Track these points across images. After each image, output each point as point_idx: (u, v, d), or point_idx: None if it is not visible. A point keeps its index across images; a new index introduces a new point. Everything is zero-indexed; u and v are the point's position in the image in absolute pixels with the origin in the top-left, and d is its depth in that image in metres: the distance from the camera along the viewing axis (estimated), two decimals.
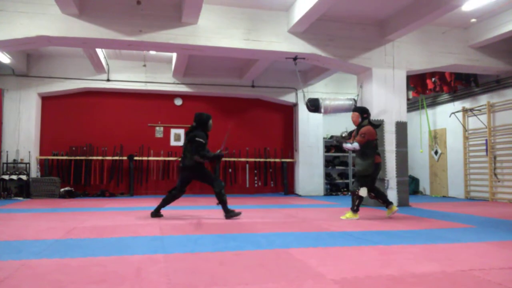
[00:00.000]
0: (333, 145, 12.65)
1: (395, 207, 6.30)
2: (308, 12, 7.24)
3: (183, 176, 6.19)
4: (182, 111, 12.16)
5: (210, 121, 6.22)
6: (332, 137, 12.58)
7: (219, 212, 7.12)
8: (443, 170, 11.71)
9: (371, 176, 6.12)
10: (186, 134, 6.20)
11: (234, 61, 11.07)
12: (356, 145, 6.04)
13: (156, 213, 6.19)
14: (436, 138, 12.00)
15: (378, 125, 6.38)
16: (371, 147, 6.08)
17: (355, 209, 6.12)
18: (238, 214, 6.13)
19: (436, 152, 11.99)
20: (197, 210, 7.39)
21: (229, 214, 6.07)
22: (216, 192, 6.03)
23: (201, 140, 5.93)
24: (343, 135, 6.56)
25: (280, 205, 8.74)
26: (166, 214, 6.64)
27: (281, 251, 3.69)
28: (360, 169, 6.13)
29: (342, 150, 12.68)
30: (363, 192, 6.04)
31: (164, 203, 6.19)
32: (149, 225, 5.30)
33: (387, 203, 6.29)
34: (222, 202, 6.05)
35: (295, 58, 8.42)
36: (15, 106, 10.63)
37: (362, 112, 6.36)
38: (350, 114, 9.67)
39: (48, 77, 10.87)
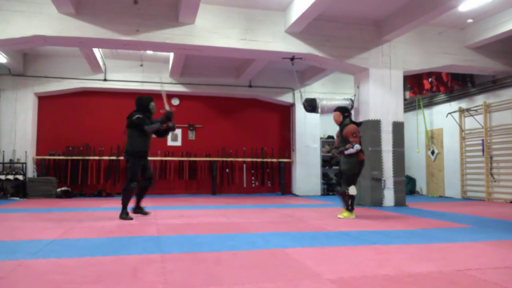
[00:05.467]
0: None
1: (354, 215, 6.25)
2: (305, 12, 7.24)
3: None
4: (179, 111, 12.10)
5: (152, 103, 6.08)
6: (329, 136, 12.60)
7: (217, 212, 7.13)
8: (440, 170, 11.74)
9: (357, 173, 6.19)
10: (127, 119, 6.03)
11: (231, 61, 11.07)
12: (357, 146, 6.04)
13: (138, 210, 6.13)
14: (433, 138, 12.04)
15: (359, 123, 6.44)
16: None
17: (350, 209, 6.19)
18: (130, 219, 5.82)
19: (432, 152, 12.02)
20: (195, 211, 7.38)
21: (122, 214, 5.86)
22: (122, 188, 5.93)
23: (138, 115, 5.86)
24: (333, 150, 6.45)
25: (277, 205, 8.74)
26: (163, 214, 6.64)
27: (277, 251, 3.69)
28: (346, 167, 6.15)
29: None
30: (352, 191, 6.11)
31: (139, 197, 6.14)
32: (146, 225, 5.29)
33: (350, 207, 6.29)
34: (123, 200, 5.88)
35: (292, 58, 8.42)
36: (11, 106, 10.59)
37: (343, 111, 6.43)
38: None
39: (44, 77, 10.83)
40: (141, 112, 5.97)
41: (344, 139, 6.17)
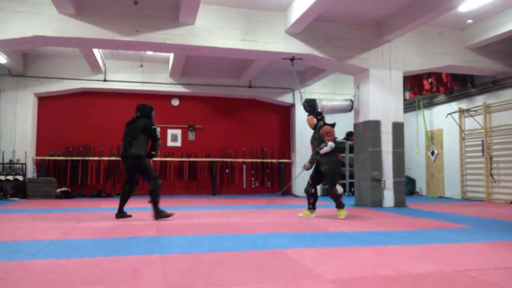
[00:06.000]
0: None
1: (314, 214, 6.48)
2: (305, 13, 7.24)
3: (127, 166, 6.08)
4: (179, 111, 12.14)
5: (153, 112, 6.30)
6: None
7: (217, 212, 7.13)
8: (440, 171, 11.74)
9: (338, 172, 6.33)
10: (129, 124, 6.11)
11: (231, 62, 11.07)
12: (331, 144, 6.12)
13: (121, 214, 6.08)
14: (433, 138, 12.04)
15: (333, 125, 6.52)
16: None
17: (342, 206, 6.30)
18: (169, 215, 5.95)
19: (432, 153, 12.02)
20: (195, 211, 7.38)
21: (159, 214, 5.91)
22: (149, 190, 5.90)
23: (155, 127, 6.07)
24: (311, 155, 6.50)
25: (277, 205, 8.74)
26: None
27: (278, 252, 3.69)
28: (327, 167, 6.20)
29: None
30: (340, 189, 6.20)
31: (123, 201, 6.12)
32: (146, 226, 5.29)
33: (311, 206, 6.46)
34: (154, 202, 5.90)
35: (292, 59, 8.42)
36: (11, 106, 10.58)
37: (316, 115, 6.59)
38: (347, 114, 9.82)
39: (44, 77, 10.84)
40: (148, 120, 6.10)
41: (321, 140, 6.26)
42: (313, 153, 6.38)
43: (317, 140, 6.34)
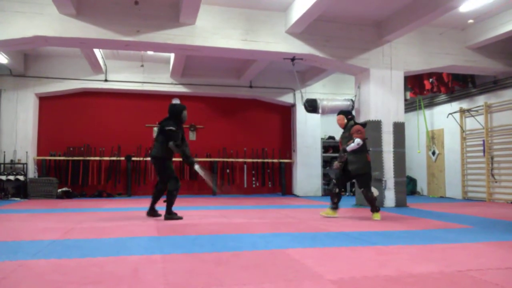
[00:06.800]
0: (331, 146, 12.63)
1: (336, 214, 6.35)
2: (306, 13, 7.24)
3: (154, 167, 6.22)
4: None
5: (184, 112, 6.15)
6: (330, 137, 12.57)
7: (218, 212, 7.13)
8: (441, 171, 11.73)
9: (369, 173, 6.17)
10: (159, 124, 6.14)
11: (232, 62, 11.06)
12: (359, 141, 6.00)
13: (152, 212, 6.15)
14: (434, 138, 12.03)
15: (364, 124, 6.44)
16: (363, 144, 6.15)
17: (378, 210, 6.15)
18: (179, 218, 5.94)
19: (433, 153, 12.01)
20: (196, 211, 7.38)
21: (170, 216, 5.92)
22: (169, 190, 5.92)
23: (171, 127, 5.91)
24: (337, 162, 6.37)
25: (278, 205, 8.74)
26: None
27: (278, 252, 3.68)
28: (355, 167, 6.09)
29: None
30: (375, 191, 6.14)
31: (154, 200, 6.17)
32: (147, 226, 5.29)
33: (335, 206, 6.33)
34: (169, 202, 5.92)
35: (292, 59, 8.42)
36: (12, 107, 10.59)
37: (346, 114, 6.51)
38: None
39: (45, 78, 10.84)
40: (174, 121, 6.01)
41: (350, 138, 6.16)
42: (341, 151, 6.28)
43: (346, 139, 6.24)
